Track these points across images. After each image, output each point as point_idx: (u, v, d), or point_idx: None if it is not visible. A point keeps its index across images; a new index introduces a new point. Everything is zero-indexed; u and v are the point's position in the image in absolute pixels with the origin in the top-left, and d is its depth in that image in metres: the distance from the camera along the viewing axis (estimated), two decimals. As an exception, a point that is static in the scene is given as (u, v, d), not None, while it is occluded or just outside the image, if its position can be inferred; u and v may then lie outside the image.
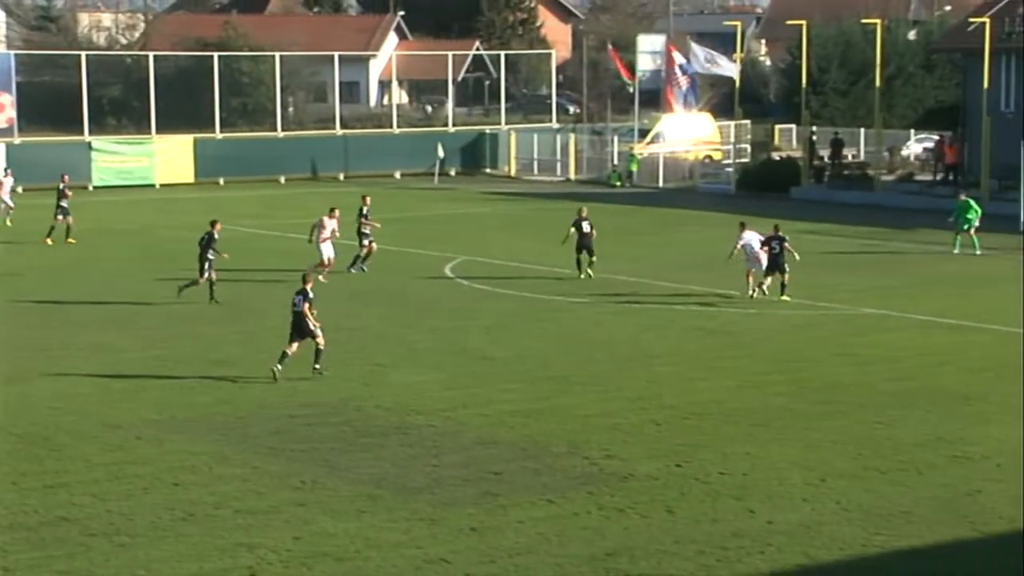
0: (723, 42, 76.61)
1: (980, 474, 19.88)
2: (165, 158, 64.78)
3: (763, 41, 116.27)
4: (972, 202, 42.95)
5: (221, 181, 65.39)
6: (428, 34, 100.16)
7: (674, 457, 20.68)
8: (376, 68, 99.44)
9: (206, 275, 32.99)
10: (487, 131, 74.06)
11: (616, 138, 69.75)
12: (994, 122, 54.52)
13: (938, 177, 59.75)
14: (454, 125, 76.28)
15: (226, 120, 71.34)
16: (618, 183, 65.56)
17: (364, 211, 38.80)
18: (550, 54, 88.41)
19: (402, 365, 27.01)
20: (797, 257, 34.30)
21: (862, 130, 72.50)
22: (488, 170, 71.94)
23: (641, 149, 67.93)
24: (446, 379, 25.63)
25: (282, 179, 66.95)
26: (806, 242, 38.65)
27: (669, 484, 19.42)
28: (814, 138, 64.16)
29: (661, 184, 65.37)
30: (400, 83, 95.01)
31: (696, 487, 19.30)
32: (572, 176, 69.09)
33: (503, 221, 50.27)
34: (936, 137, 65.06)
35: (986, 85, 54.50)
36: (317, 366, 25.44)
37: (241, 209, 54.86)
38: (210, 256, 32.88)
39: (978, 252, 41.67)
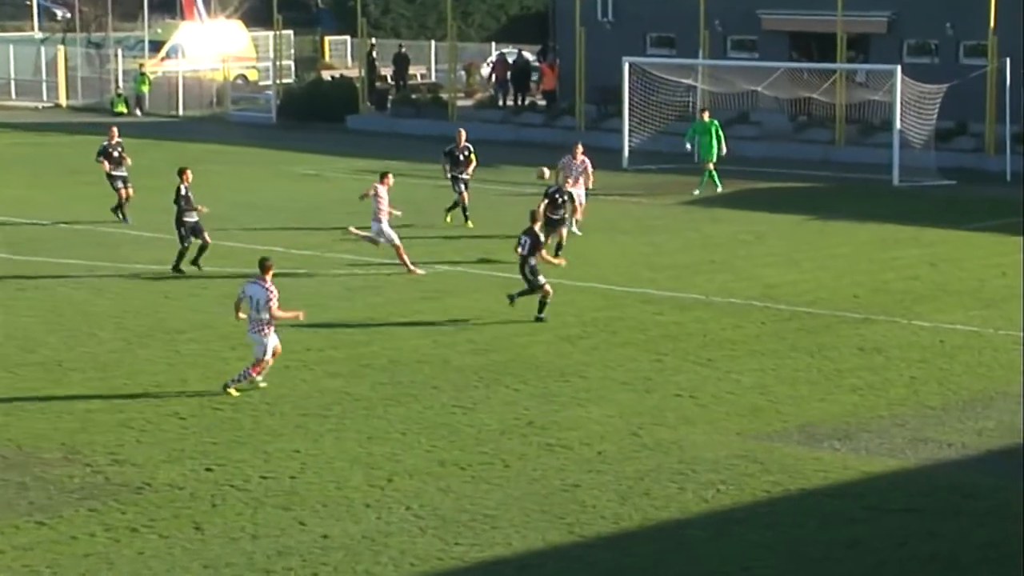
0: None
1: (578, 465, 20.79)
2: None
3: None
4: (717, 124, 44.68)
5: None
6: None
7: (203, 459, 20.77)
8: None
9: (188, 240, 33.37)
10: (-56, 42, 71.83)
11: (121, 53, 68.89)
12: (590, 34, 56.37)
13: (509, 103, 61.31)
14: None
15: None
16: (124, 110, 64.79)
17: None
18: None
19: None
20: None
21: (432, 43, 74.01)
22: (-53, 93, 69.91)
23: (154, 67, 67.30)
24: (-102, 370, 24.90)
25: None
26: (367, 184, 39.23)
27: (197, 494, 19.50)
28: (374, 54, 65.07)
29: (181, 112, 65.04)
30: None
31: (232, 496, 19.45)
32: (63, 102, 67.86)
33: (-28, 161, 48.99)
34: (496, 55, 66.78)
35: (581, -12, 56.38)
36: (542, 315, 28.95)
37: None
38: (187, 219, 33.24)
39: (719, 188, 44.07)
